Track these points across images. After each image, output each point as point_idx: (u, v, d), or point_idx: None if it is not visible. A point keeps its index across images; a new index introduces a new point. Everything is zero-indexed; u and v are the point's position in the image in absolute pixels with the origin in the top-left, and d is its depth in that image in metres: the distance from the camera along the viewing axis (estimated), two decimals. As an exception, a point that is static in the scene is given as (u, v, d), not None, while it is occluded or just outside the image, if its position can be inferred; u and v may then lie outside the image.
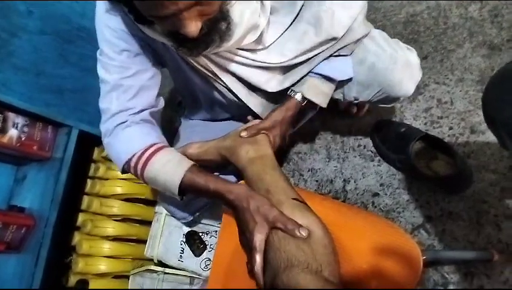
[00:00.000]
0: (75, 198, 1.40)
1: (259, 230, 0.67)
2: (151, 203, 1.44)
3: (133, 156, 0.83)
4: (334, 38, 0.83)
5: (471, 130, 1.11)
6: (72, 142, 1.23)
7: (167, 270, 1.27)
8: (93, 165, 1.43)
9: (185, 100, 1.17)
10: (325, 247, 0.65)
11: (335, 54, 0.88)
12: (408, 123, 1.20)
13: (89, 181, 1.42)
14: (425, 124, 1.18)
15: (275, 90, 0.90)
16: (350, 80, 0.92)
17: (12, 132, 1.15)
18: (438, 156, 1.07)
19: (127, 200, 1.40)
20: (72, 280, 1.33)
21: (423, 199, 1.12)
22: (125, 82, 0.85)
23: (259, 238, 0.67)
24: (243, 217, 0.71)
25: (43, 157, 1.24)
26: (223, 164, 0.93)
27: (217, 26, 0.69)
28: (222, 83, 0.90)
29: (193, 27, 0.64)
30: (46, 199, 1.20)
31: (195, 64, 0.86)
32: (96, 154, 1.44)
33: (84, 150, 1.40)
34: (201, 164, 0.96)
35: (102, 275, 1.34)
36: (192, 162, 0.83)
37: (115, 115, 0.85)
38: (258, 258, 0.66)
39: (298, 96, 0.90)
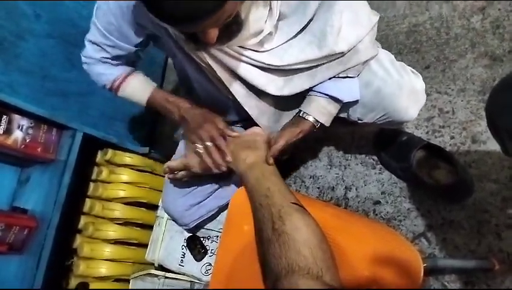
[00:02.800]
0: (78, 201, 1.41)
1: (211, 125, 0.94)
2: (153, 207, 1.45)
3: (108, 83, 1.02)
4: (336, 54, 0.82)
5: (473, 140, 1.12)
6: (76, 145, 1.24)
7: (168, 274, 1.27)
8: (96, 169, 1.44)
9: (185, 94, 1.16)
10: (324, 252, 0.65)
11: (342, 76, 0.87)
12: (410, 132, 1.20)
13: (91, 184, 1.43)
14: (427, 133, 1.19)
15: (273, 94, 0.89)
16: (355, 101, 0.91)
17: (17, 134, 1.16)
18: (440, 165, 1.08)
19: (129, 203, 1.40)
20: (73, 283, 1.33)
21: (424, 208, 1.12)
22: (105, 47, 0.96)
23: (214, 128, 0.93)
24: (197, 119, 0.96)
25: (47, 160, 1.25)
26: (226, 171, 0.94)
27: (229, 28, 0.71)
28: (218, 77, 0.89)
29: (213, 35, 0.68)
30: (49, 201, 1.20)
31: (192, 55, 0.87)
32: (99, 157, 1.45)
33: (88, 153, 1.41)
34: (205, 173, 0.98)
35: (102, 279, 1.35)
36: (154, 85, 1.04)
37: (93, 59, 1.00)
38: (222, 142, 0.91)
39: (311, 119, 0.88)
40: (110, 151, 1.40)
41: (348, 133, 1.32)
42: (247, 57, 0.83)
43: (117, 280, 1.39)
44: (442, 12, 1.30)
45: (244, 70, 0.86)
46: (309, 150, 1.38)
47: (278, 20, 0.81)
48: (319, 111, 0.88)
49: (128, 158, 1.44)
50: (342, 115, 0.96)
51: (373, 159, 1.25)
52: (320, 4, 0.79)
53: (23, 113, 1.18)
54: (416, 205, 1.14)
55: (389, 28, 1.38)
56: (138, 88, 1.03)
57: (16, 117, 1.17)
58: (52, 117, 1.22)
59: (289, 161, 1.41)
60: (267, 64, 0.84)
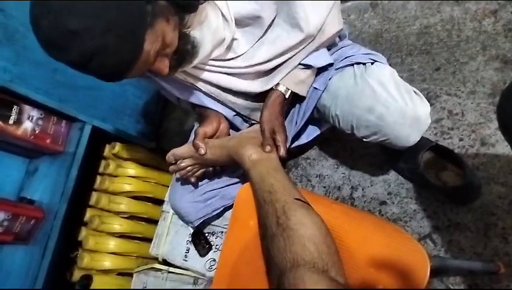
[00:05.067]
0: (84, 193, 1.41)
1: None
2: (158, 201, 1.45)
3: None
4: (307, 39, 0.87)
5: (482, 143, 1.11)
6: (84, 138, 1.25)
7: (171, 269, 1.27)
8: (103, 162, 1.45)
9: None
10: (329, 247, 0.65)
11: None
12: (418, 133, 1.20)
13: (98, 177, 1.43)
14: (436, 134, 1.19)
15: (258, 91, 0.95)
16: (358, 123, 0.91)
17: (27, 124, 1.17)
18: (447, 167, 1.07)
19: (135, 198, 1.41)
20: (76, 275, 1.34)
21: (431, 209, 1.12)
22: None
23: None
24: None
25: (56, 151, 1.26)
26: (233, 163, 0.94)
27: (183, 49, 0.75)
28: (208, 93, 0.96)
29: (164, 67, 0.72)
30: (56, 193, 1.21)
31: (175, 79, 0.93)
32: (107, 151, 1.46)
33: (96, 146, 1.42)
34: (213, 162, 0.99)
35: (106, 272, 1.35)
36: None
37: None
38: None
39: (281, 88, 0.93)
40: (117, 145, 1.41)
41: (356, 133, 1.32)
42: (223, 67, 0.89)
43: (121, 274, 1.39)
44: (453, 15, 1.29)
45: (225, 81, 0.92)
46: (316, 149, 1.38)
47: (239, 25, 0.85)
48: (291, 81, 0.93)
49: (135, 153, 1.45)
50: (347, 131, 0.96)
51: (380, 160, 1.25)
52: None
53: (33, 104, 1.19)
54: (423, 206, 1.13)
55: (399, 29, 1.38)
56: None
57: (27, 108, 1.18)
58: (62, 108, 1.23)
59: (295, 159, 1.41)
60: (239, 68, 0.89)
